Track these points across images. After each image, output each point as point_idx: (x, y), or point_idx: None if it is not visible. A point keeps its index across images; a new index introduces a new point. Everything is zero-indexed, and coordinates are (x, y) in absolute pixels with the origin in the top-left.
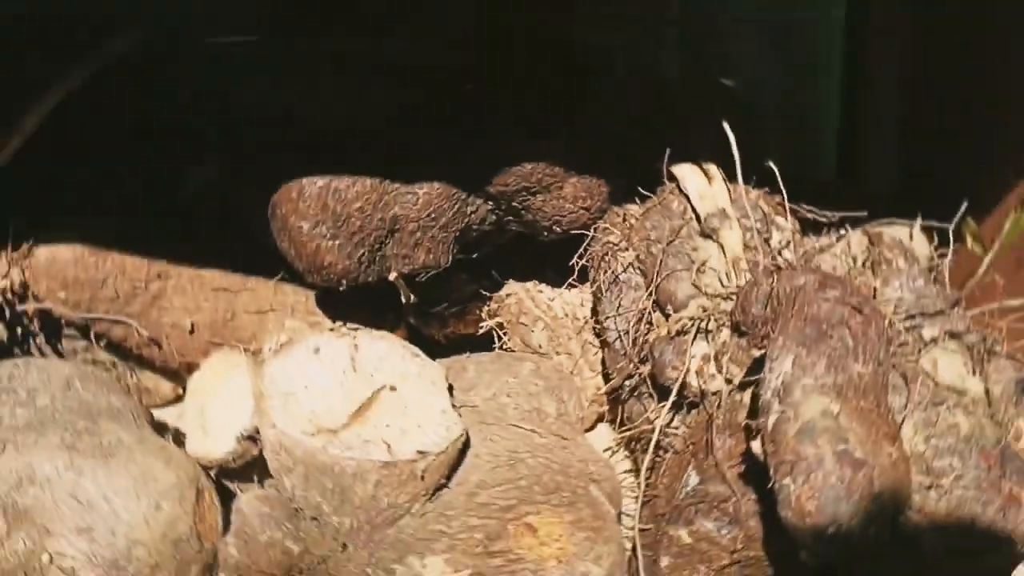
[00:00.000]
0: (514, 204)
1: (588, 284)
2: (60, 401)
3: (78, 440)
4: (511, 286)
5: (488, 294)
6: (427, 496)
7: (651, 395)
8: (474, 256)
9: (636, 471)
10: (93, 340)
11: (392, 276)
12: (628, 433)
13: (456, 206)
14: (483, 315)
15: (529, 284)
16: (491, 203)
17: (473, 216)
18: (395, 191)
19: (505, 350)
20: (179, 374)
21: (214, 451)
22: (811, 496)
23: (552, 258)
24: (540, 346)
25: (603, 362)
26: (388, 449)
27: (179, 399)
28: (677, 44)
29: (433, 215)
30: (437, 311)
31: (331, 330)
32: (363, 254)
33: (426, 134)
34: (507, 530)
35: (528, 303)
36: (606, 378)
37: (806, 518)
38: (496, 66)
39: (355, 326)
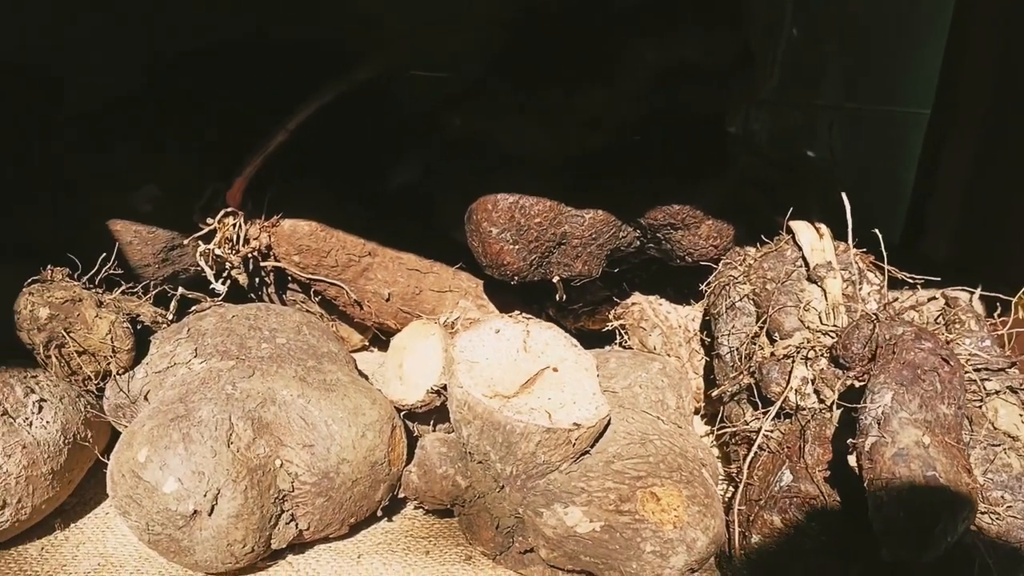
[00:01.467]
0: (658, 235)
1: (702, 304)
2: (293, 342)
3: (307, 375)
4: (636, 296)
5: (617, 300)
6: (574, 459)
7: (749, 402)
8: (614, 270)
9: (725, 460)
10: (311, 295)
11: (556, 280)
12: (728, 430)
13: (612, 230)
14: (610, 316)
15: (651, 297)
16: (638, 231)
17: (623, 240)
18: (568, 212)
19: (624, 347)
20: (368, 329)
21: (408, 398)
22: None
23: (671, 279)
24: (655, 348)
25: (707, 368)
26: (549, 417)
27: (364, 348)
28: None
29: (594, 235)
30: (573, 308)
31: (509, 316)
32: (535, 259)
33: (599, 172)
34: (636, 495)
35: (649, 312)
36: (705, 380)
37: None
38: (660, 125)
39: (528, 315)
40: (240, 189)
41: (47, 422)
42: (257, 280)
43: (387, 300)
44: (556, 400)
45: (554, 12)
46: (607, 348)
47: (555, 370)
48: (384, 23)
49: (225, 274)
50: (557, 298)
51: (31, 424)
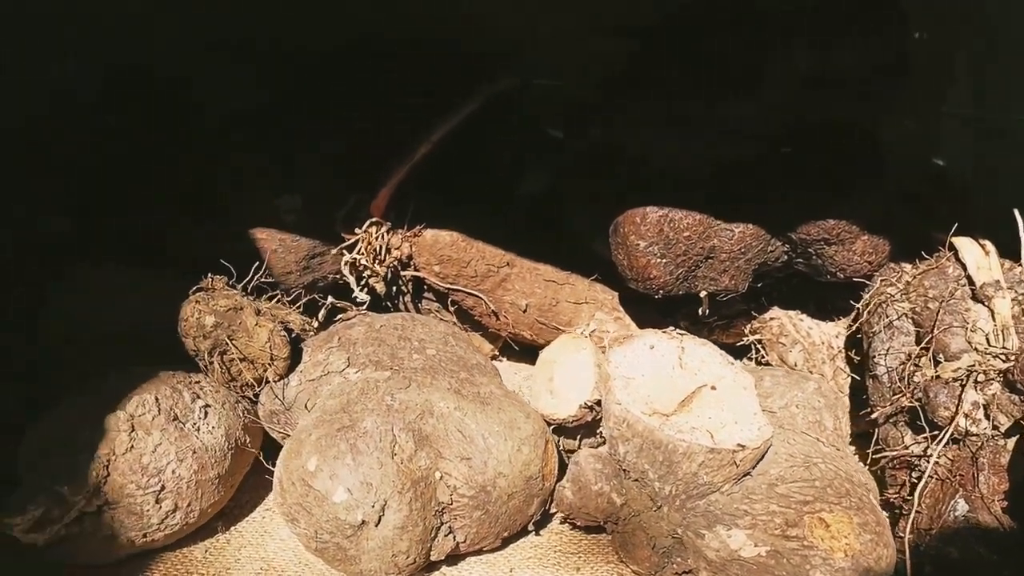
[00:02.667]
0: (809, 250)
1: (846, 321)
2: (443, 353)
3: (462, 387)
4: (775, 311)
5: (754, 314)
6: (736, 480)
7: (908, 425)
8: (756, 284)
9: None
10: (447, 305)
11: (703, 294)
12: (887, 455)
13: (761, 245)
14: (745, 330)
15: (791, 312)
16: (788, 246)
17: (771, 254)
18: (717, 226)
19: (760, 363)
20: (499, 339)
21: (559, 412)
22: None
23: (813, 294)
24: (795, 365)
25: (866, 389)
26: (711, 437)
27: (495, 358)
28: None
29: (743, 249)
30: (707, 321)
31: (663, 332)
32: (681, 273)
33: (747, 184)
34: (803, 520)
35: (789, 327)
36: (851, 400)
37: None
38: (812, 135)
39: (682, 332)
40: (385, 199)
41: (212, 427)
42: (393, 289)
43: (524, 311)
44: (717, 419)
45: (693, 18)
46: (761, 367)
47: (713, 388)
48: (509, 28)
49: (362, 283)
50: (700, 312)
51: (199, 429)
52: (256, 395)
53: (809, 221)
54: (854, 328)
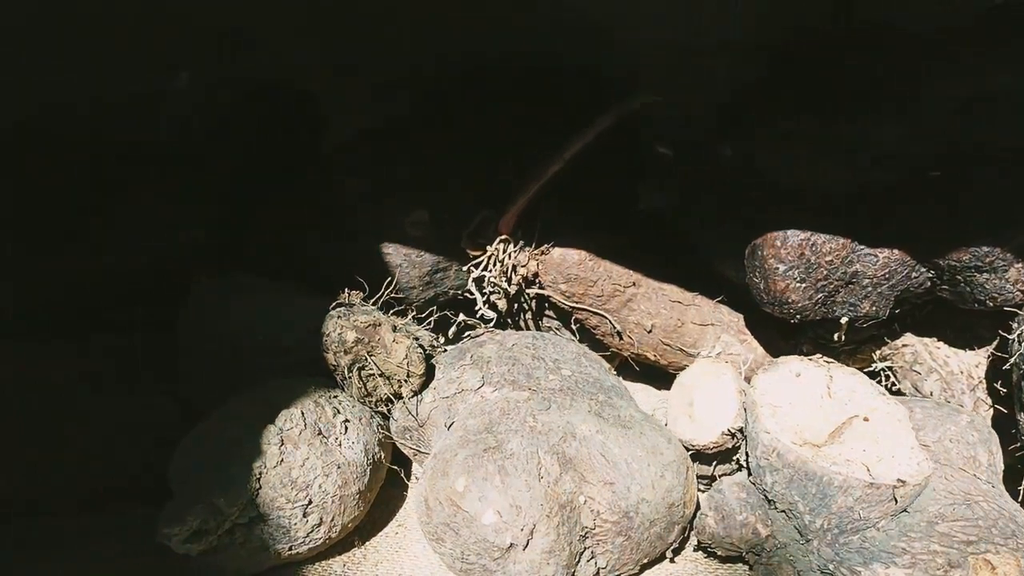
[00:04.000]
0: (957, 277)
1: (987, 350)
2: (578, 374)
3: (602, 410)
4: (908, 337)
5: (886, 340)
6: (892, 516)
7: None
8: (895, 311)
9: None
10: (569, 324)
11: (843, 320)
12: None
13: (906, 271)
14: (874, 356)
15: (927, 339)
16: (933, 272)
17: (915, 280)
18: (860, 251)
19: (890, 391)
20: (615, 358)
21: (698, 438)
22: None
23: (951, 321)
24: (931, 394)
25: (1017, 423)
26: (868, 471)
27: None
28: None
29: (887, 275)
30: (833, 345)
31: (809, 359)
32: (820, 298)
33: (892, 208)
34: (967, 561)
35: (924, 355)
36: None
37: None
38: (964, 162)
39: (829, 359)
40: (515, 217)
41: (352, 442)
42: (514, 306)
43: (649, 331)
44: (872, 453)
45: (836, 36)
46: (909, 398)
47: (866, 419)
48: (635, 46)
49: (485, 299)
50: (836, 339)
51: (340, 444)
52: (389, 411)
53: (960, 247)
54: (1007, 359)
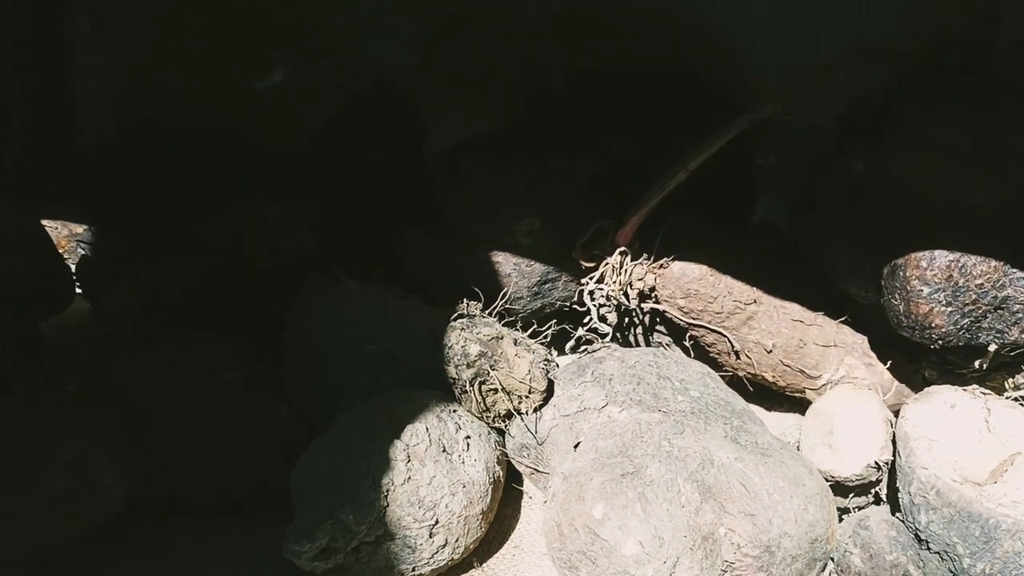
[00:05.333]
0: None
1: None
2: (706, 395)
3: (738, 435)
4: None
5: (1022, 367)
6: None
7: None
8: None
9: None
10: (682, 340)
11: (992, 348)
12: None
13: None
14: (1007, 384)
15: None
16: None
17: None
18: (1014, 275)
19: None
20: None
21: (840, 469)
22: None
23: None
24: None
25: None
26: None
27: None
28: None
29: None
30: (960, 371)
31: (963, 389)
32: (966, 323)
33: None
34: None
35: None
36: None
37: None
38: None
39: (985, 391)
40: (634, 228)
41: (475, 460)
42: (625, 320)
43: (769, 351)
44: None
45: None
46: None
47: None
48: (759, 55)
49: (597, 313)
50: (978, 366)
51: (463, 462)
52: (506, 427)
53: None
54: None
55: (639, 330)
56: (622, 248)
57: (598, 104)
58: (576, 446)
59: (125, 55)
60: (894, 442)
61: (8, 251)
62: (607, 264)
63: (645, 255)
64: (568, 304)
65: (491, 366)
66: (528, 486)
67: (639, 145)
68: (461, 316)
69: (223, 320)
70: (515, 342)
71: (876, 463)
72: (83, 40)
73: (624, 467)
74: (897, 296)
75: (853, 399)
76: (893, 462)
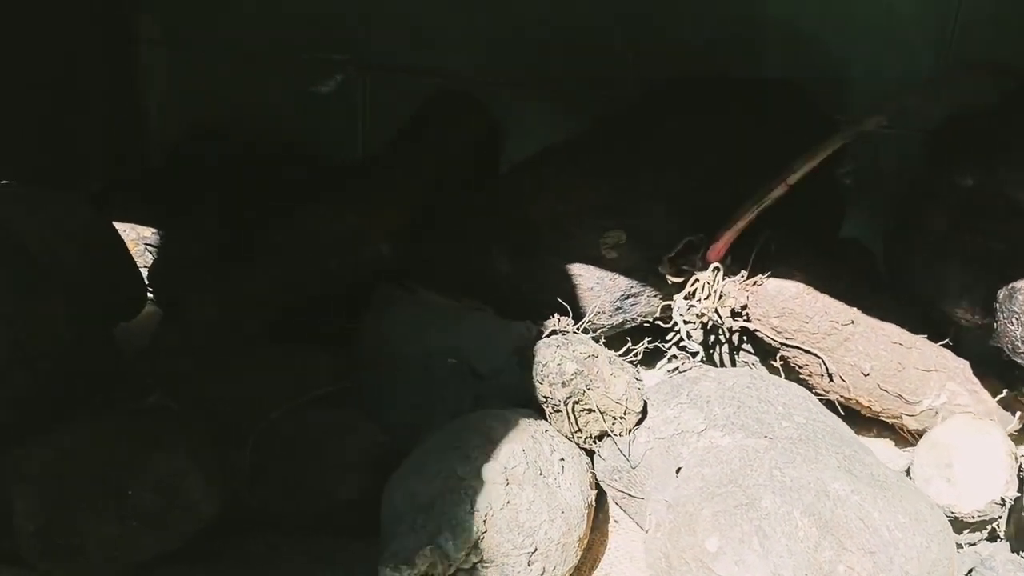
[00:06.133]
0: None
1: None
2: (812, 421)
3: (852, 466)
4: None
5: None
6: None
7: None
8: None
9: None
10: (771, 361)
11: None
12: None
13: None
14: None
15: None
16: None
17: None
18: None
19: None
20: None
21: (960, 505)
22: None
23: None
24: None
25: None
26: None
27: None
28: None
29: None
30: None
31: None
32: None
33: None
34: None
35: None
36: None
37: None
38: None
39: None
40: (727, 244)
41: (570, 484)
42: (711, 339)
43: (866, 375)
44: None
45: None
46: None
47: None
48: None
49: (686, 330)
50: None
51: (559, 485)
52: (597, 449)
53: None
54: None
55: (724, 349)
56: (715, 264)
57: (688, 116)
58: (678, 471)
59: (193, 60)
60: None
61: (86, 256)
62: (696, 280)
63: (734, 271)
64: (649, 320)
65: (587, 385)
66: (614, 510)
67: (729, 158)
68: (555, 332)
69: (297, 333)
70: (610, 360)
71: (1001, 499)
72: (154, 43)
73: (736, 497)
74: (1015, 321)
75: (974, 430)
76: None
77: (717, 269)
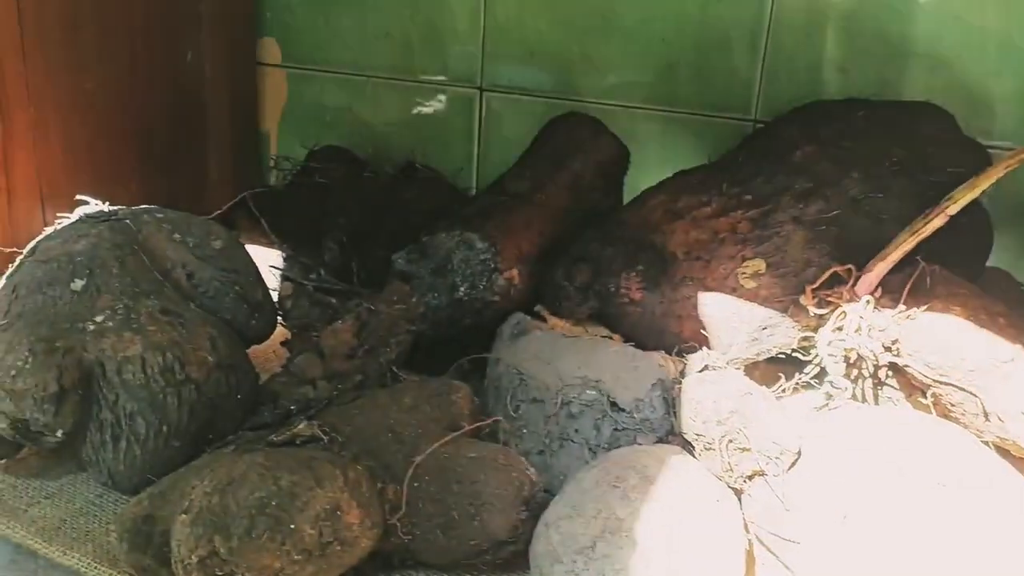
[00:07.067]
0: None
1: None
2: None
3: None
4: None
5: None
6: None
7: None
8: None
9: None
10: (918, 397)
11: None
12: None
13: None
14: None
15: None
16: None
17: None
18: None
19: None
20: None
21: None
22: None
23: None
24: None
25: None
26: None
27: None
28: None
29: None
30: None
31: None
32: None
33: None
34: None
35: None
36: None
37: None
38: None
39: None
40: (880, 275)
41: (728, 525)
42: (854, 374)
43: None
44: None
45: None
46: None
47: None
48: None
49: (832, 365)
50: None
51: (717, 528)
52: (746, 489)
53: None
54: None
55: (867, 384)
56: (867, 296)
57: (826, 140)
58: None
59: (311, 82)
60: None
61: (226, 279)
62: (843, 312)
63: (882, 304)
64: (788, 353)
65: (743, 424)
66: (757, 549)
67: (872, 184)
68: (706, 367)
69: (427, 363)
70: (765, 398)
71: None
72: (275, 67)
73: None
74: None
75: None
76: None
77: (869, 302)
